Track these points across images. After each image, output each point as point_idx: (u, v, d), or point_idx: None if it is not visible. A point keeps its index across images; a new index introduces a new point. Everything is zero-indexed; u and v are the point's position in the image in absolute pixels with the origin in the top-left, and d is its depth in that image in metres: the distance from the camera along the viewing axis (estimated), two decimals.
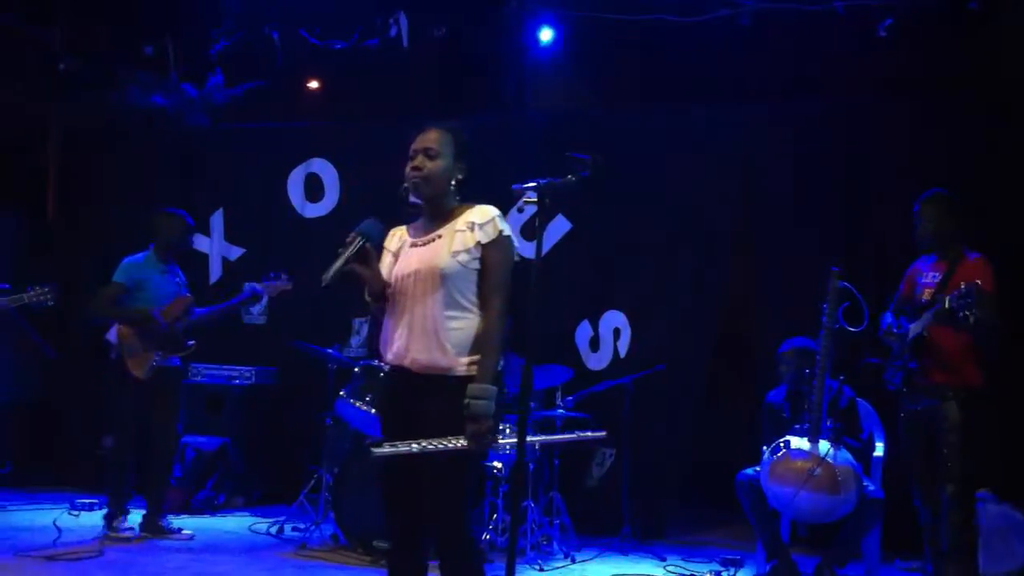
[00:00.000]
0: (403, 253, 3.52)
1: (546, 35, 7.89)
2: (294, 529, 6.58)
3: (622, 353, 7.34)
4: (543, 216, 3.30)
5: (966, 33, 6.71)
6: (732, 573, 5.69)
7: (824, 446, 5.33)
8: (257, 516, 7.15)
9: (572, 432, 3.36)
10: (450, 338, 3.30)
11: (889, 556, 6.34)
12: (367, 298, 3.58)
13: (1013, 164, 6.31)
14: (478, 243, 3.32)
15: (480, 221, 3.34)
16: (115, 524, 6.15)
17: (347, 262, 3.41)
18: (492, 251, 3.32)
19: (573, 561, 6.15)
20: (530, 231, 7.18)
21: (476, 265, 3.33)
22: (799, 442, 5.39)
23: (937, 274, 5.11)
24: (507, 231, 3.35)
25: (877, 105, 6.94)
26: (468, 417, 3.17)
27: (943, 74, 6.80)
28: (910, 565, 6.33)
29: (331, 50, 7.92)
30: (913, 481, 4.94)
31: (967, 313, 4.46)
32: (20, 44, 7.70)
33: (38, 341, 6.92)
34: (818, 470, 5.26)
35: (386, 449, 3.28)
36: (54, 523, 6.31)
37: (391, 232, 3.68)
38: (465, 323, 3.32)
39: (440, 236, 3.40)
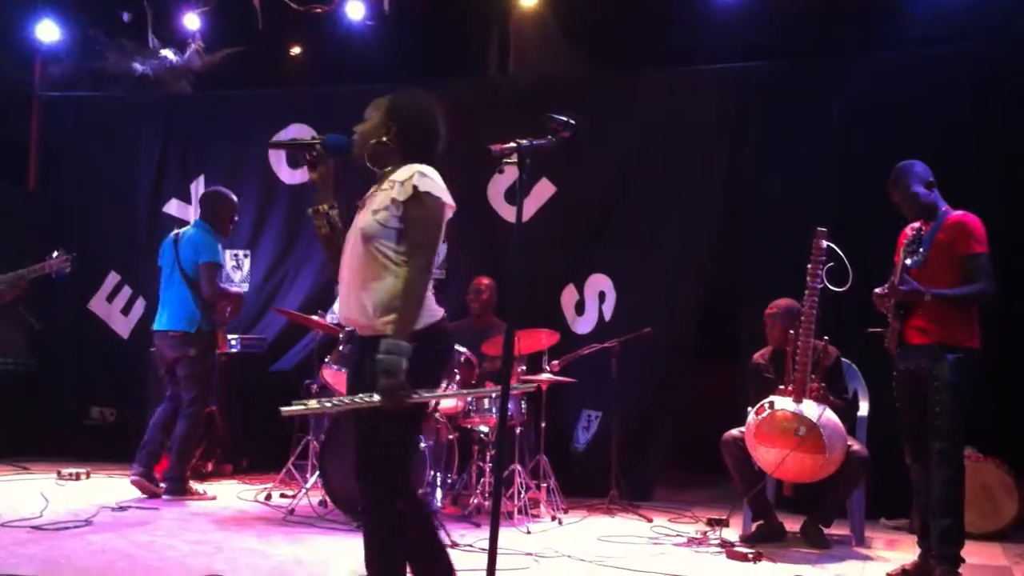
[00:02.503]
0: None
1: None
2: (282, 496, 6.59)
3: (607, 317, 7.35)
4: (524, 179, 3.27)
5: None
6: (718, 533, 5.72)
7: (809, 406, 5.35)
8: (245, 484, 7.16)
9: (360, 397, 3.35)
10: (371, 297, 3.31)
11: (875, 514, 6.41)
12: (331, 264, 3.60)
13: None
14: (395, 200, 3.31)
15: (400, 179, 3.34)
16: (190, 486, 6.59)
17: (297, 146, 3.61)
18: (410, 208, 3.30)
19: (560, 524, 6.18)
20: (513, 195, 7.18)
21: (396, 224, 3.32)
22: (784, 402, 5.41)
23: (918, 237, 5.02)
24: (427, 188, 3.31)
25: (864, 66, 6.92)
26: (379, 372, 3.14)
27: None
28: (896, 523, 6.41)
29: (312, 14, 7.84)
30: (903, 439, 4.95)
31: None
32: None
33: (24, 312, 6.95)
34: (803, 430, 5.28)
35: (294, 407, 3.25)
36: (41, 494, 6.32)
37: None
38: (385, 282, 3.31)
39: (372, 197, 3.44)
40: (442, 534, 3.39)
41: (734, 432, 5.78)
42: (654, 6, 7.47)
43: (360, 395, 3.19)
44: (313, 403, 3.31)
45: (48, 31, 8.45)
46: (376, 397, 3.16)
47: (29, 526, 5.34)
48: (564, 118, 3.25)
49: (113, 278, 8.49)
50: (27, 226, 8.33)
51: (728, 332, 7.27)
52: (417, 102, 3.56)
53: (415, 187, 3.30)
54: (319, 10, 7.47)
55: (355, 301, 3.34)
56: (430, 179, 3.33)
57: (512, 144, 3.21)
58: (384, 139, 3.45)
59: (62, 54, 8.56)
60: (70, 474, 7.02)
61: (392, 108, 3.49)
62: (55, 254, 6.49)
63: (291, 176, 8.19)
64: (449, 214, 3.40)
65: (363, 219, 3.37)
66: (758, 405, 5.54)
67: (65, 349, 8.54)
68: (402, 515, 3.30)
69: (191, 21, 8.29)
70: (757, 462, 5.58)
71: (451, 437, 6.24)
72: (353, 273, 3.36)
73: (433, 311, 3.38)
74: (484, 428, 6.37)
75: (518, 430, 6.29)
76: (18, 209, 8.49)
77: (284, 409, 3.25)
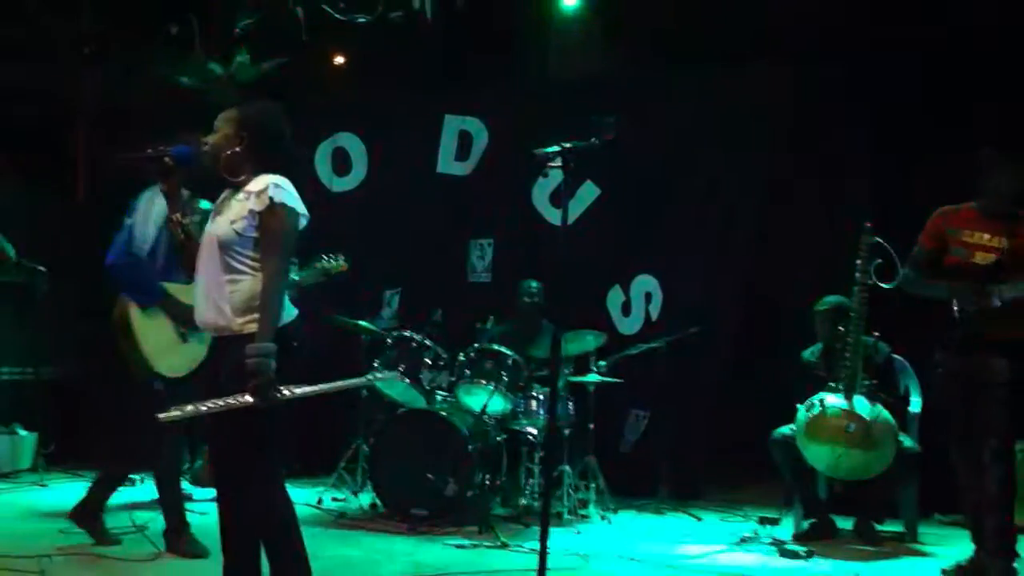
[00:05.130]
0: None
1: (570, 0, 7.85)
2: (333, 499, 6.65)
3: (654, 317, 7.34)
4: (569, 181, 3.30)
5: None
6: (769, 532, 5.70)
7: (860, 402, 5.32)
8: (296, 487, 7.24)
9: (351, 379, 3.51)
10: (228, 299, 3.47)
11: (928, 510, 6.34)
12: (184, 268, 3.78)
13: None
14: (252, 211, 3.47)
15: (255, 190, 3.49)
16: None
17: (145, 158, 3.74)
18: (266, 218, 3.46)
19: (609, 523, 6.19)
20: (558, 197, 7.20)
21: (253, 232, 3.47)
22: (835, 399, 5.38)
23: (990, 235, 4.92)
24: (281, 199, 3.46)
25: (902, 61, 6.87)
26: (248, 374, 3.31)
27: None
28: (949, 519, 6.33)
29: (355, 24, 7.90)
30: (952, 435, 4.90)
31: None
32: (46, 27, 7.73)
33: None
34: (854, 426, 5.25)
35: (172, 413, 3.44)
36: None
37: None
38: (242, 285, 3.47)
39: (226, 206, 3.59)
40: (297, 526, 3.58)
41: (784, 430, 5.76)
42: (694, 6, 7.44)
43: (234, 396, 3.34)
44: (189, 408, 3.44)
45: (97, 44, 8.57)
46: (248, 397, 3.32)
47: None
48: (607, 120, 3.28)
49: None
50: (76, 238, 8.45)
51: (777, 329, 7.24)
52: (267, 112, 3.71)
53: (271, 198, 3.45)
54: (363, 20, 7.53)
55: (212, 304, 3.50)
56: (284, 190, 3.49)
57: (555, 148, 3.25)
58: (236, 149, 3.58)
59: (110, 67, 8.68)
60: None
61: (243, 119, 3.64)
62: (328, 257, 6.02)
63: (338, 184, 8.27)
64: (303, 223, 3.57)
65: (220, 228, 3.53)
66: (808, 402, 5.51)
67: (119, 357, 8.64)
68: (263, 504, 3.48)
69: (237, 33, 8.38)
70: (808, 460, 5.55)
71: (499, 439, 6.27)
72: (210, 278, 3.52)
73: (289, 311, 3.55)
74: (532, 430, 6.40)
75: (567, 431, 6.31)
76: (68, 222, 8.61)
77: (162, 415, 3.45)
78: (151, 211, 5.01)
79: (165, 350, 4.94)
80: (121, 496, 6.45)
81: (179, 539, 4.98)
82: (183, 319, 4.77)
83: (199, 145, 3.68)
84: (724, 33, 7.43)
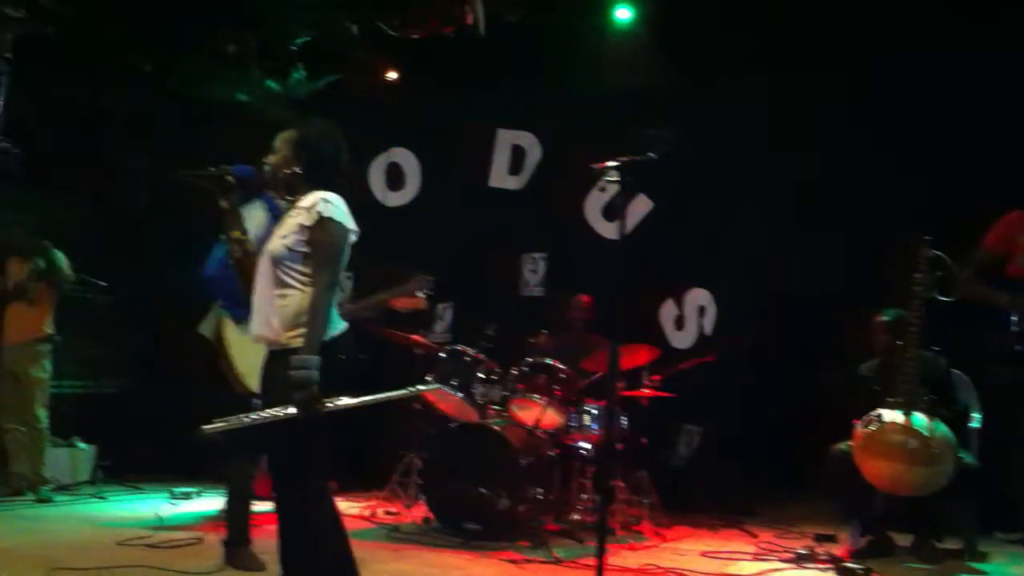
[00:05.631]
0: None
1: (623, 13, 7.84)
2: (386, 513, 6.68)
3: (707, 330, 7.30)
4: (625, 195, 3.30)
5: None
6: (827, 549, 5.63)
7: (919, 418, 5.24)
8: (349, 501, 7.27)
9: (404, 389, 3.56)
10: (277, 313, 3.56)
11: (988, 528, 6.23)
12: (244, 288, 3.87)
13: None
14: (302, 226, 3.56)
15: (306, 206, 3.59)
16: None
17: (206, 177, 3.85)
18: (315, 233, 3.55)
19: (663, 539, 6.15)
20: (612, 211, 7.20)
21: (303, 247, 3.57)
22: (892, 415, 5.31)
23: None
24: (330, 214, 3.55)
25: (955, 66, 6.77)
26: (292, 386, 3.38)
27: None
28: (1011, 536, 6.21)
29: (409, 40, 7.96)
30: (1018, 450, 4.81)
31: None
32: (104, 43, 7.85)
33: None
34: (913, 442, 5.17)
35: (216, 425, 3.51)
36: (155, 512, 6.50)
37: None
38: (291, 299, 3.56)
39: (282, 222, 3.71)
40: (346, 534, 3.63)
41: (841, 446, 5.69)
42: (746, 16, 7.40)
43: (278, 408, 3.42)
44: (234, 419, 3.50)
45: (156, 61, 8.70)
46: (292, 410, 3.38)
47: (145, 544, 5.50)
48: (664, 133, 3.28)
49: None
50: (137, 251, 8.59)
51: (833, 344, 7.15)
52: (323, 133, 3.81)
53: (320, 213, 3.55)
54: (416, 35, 7.59)
55: (263, 318, 3.60)
56: (333, 205, 3.59)
57: (613, 163, 3.25)
58: (295, 170, 3.71)
59: (168, 83, 8.80)
60: (182, 493, 7.22)
61: (300, 141, 3.75)
62: (415, 278, 6.18)
63: (392, 198, 8.33)
64: (353, 238, 3.66)
65: (273, 243, 3.64)
66: (866, 418, 5.44)
67: (175, 371, 8.76)
68: (313, 516, 3.54)
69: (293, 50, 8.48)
70: (866, 476, 5.46)
71: (552, 453, 6.26)
72: (262, 292, 3.63)
73: (337, 324, 3.61)
74: (585, 444, 6.38)
75: (619, 446, 6.29)
76: (125, 237, 8.75)
77: (206, 427, 3.51)
78: (250, 225, 5.11)
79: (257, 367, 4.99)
80: (181, 508, 6.56)
81: (238, 551, 4.99)
82: None
83: (260, 166, 3.80)
84: (774, 40, 7.38)
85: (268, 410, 3.46)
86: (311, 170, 3.70)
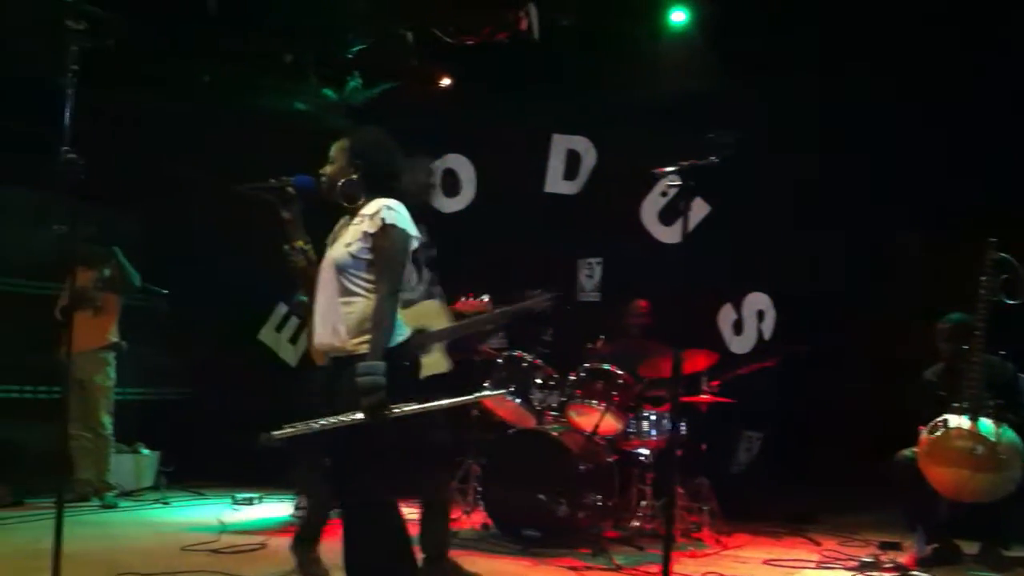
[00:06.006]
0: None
1: (679, 16, 7.80)
2: None
3: (766, 335, 7.22)
4: (687, 199, 3.27)
5: None
6: (891, 557, 5.54)
7: (985, 424, 5.14)
8: (408, 507, 7.27)
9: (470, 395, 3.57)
10: (343, 320, 3.59)
11: None
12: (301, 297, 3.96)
13: None
14: (365, 233, 3.59)
15: (369, 213, 3.62)
16: None
17: (267, 189, 3.88)
18: (379, 240, 3.57)
19: (724, 547, 6.09)
20: (669, 215, 7.15)
21: (367, 255, 3.59)
22: (958, 420, 5.21)
23: None
24: (392, 220, 3.57)
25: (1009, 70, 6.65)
26: (360, 392, 3.39)
27: None
28: None
29: (463, 46, 7.98)
30: None
31: None
32: (162, 54, 7.96)
33: None
34: (980, 448, 5.08)
35: (285, 430, 3.51)
36: (218, 518, 6.57)
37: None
38: (356, 307, 3.59)
39: (344, 231, 3.74)
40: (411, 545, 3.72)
41: (906, 452, 5.60)
42: (803, 17, 7.32)
43: (346, 414, 3.43)
44: (301, 425, 3.51)
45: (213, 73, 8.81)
46: (359, 415, 3.40)
47: (208, 550, 5.57)
48: (726, 136, 3.26)
49: (282, 308, 8.79)
50: (189, 261, 8.68)
51: (896, 348, 7.04)
52: (377, 140, 3.84)
53: (383, 220, 3.57)
54: (470, 42, 7.60)
55: (329, 326, 3.63)
56: (397, 212, 3.61)
57: (674, 167, 3.23)
58: (352, 178, 3.74)
59: (226, 93, 8.89)
60: (244, 499, 7.29)
61: (355, 149, 3.78)
62: (536, 292, 6.01)
63: (448, 205, 8.34)
64: (415, 244, 3.68)
65: (336, 251, 3.67)
66: (931, 424, 5.35)
67: (235, 377, 8.86)
68: (379, 522, 3.57)
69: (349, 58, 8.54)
70: (931, 483, 5.37)
71: (610, 460, 6.23)
72: (327, 301, 3.66)
73: (401, 330, 3.64)
74: (644, 450, 6.34)
75: (678, 452, 6.24)
76: (186, 247, 8.84)
77: (275, 433, 3.51)
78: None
79: None
80: (243, 514, 6.62)
81: (306, 552, 4.95)
82: None
83: (318, 176, 3.84)
84: (825, 42, 7.29)
85: (335, 416, 3.47)
86: (367, 177, 3.73)
